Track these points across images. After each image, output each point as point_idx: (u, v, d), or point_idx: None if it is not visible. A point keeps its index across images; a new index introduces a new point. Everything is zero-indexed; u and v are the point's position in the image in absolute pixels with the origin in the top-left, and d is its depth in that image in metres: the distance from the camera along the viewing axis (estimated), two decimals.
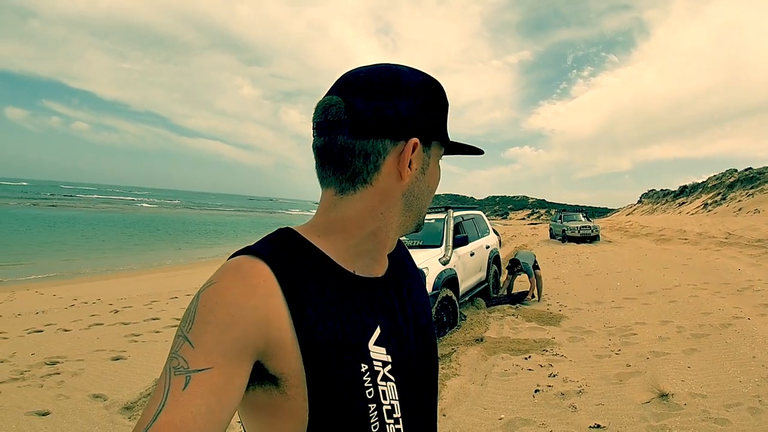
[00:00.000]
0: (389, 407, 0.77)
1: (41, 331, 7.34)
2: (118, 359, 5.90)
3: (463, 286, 7.75)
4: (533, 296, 9.25)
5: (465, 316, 7.73)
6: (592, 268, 14.14)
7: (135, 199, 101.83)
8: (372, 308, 0.79)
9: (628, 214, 66.00)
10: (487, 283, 9.32)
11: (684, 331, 6.48)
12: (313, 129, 0.78)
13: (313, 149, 0.79)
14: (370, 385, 0.74)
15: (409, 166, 0.76)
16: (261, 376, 0.68)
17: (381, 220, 0.78)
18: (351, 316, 0.75)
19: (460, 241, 7.55)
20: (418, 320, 0.90)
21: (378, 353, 0.77)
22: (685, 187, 60.05)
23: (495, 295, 9.61)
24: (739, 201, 40.62)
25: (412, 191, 0.79)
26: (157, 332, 7.25)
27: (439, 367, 4.64)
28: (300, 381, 0.68)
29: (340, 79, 0.78)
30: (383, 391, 0.76)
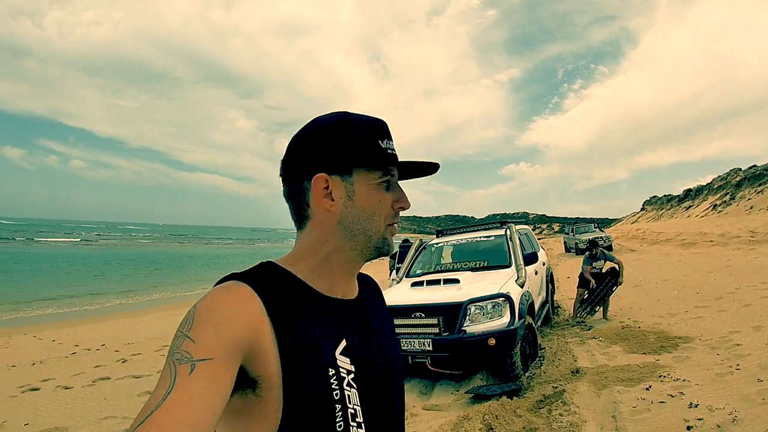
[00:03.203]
0: (353, 411, 0.86)
1: (38, 389, 6.31)
2: None
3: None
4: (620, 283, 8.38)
5: (542, 346, 6.74)
6: (637, 278, 13.24)
7: (135, 234, 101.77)
8: (337, 323, 0.90)
9: (633, 222, 65.35)
10: (548, 305, 8.36)
11: None
12: None
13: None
14: (337, 387, 0.83)
15: (332, 197, 0.89)
16: (240, 380, 0.76)
17: (328, 246, 0.92)
18: (320, 327, 0.85)
19: (529, 258, 6.59)
20: (384, 342, 0.99)
21: (343, 362, 0.86)
22: (689, 190, 59.57)
23: (586, 297, 8.63)
24: (749, 199, 40.13)
25: (346, 218, 0.90)
26: None
27: (555, 412, 4.31)
28: (276, 383, 0.78)
29: None
30: (348, 396, 0.85)
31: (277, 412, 0.77)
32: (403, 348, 5.25)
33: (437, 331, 5.25)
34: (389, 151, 0.92)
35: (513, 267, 6.31)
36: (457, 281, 5.90)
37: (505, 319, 5.18)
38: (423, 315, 5.35)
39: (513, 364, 5.29)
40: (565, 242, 29.05)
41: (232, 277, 0.83)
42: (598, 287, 8.45)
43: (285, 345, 0.78)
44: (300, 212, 0.92)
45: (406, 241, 10.67)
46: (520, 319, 5.25)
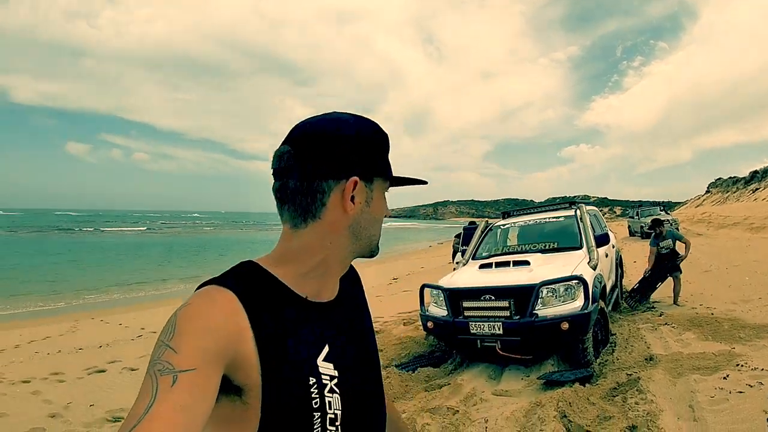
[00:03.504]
0: (332, 416, 0.86)
1: (104, 371, 6.55)
2: None
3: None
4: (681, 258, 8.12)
5: (613, 332, 6.60)
6: (706, 263, 12.75)
7: (198, 222, 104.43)
8: (321, 329, 0.90)
9: (698, 206, 62.59)
10: (617, 289, 8.16)
11: None
12: (272, 175, 0.91)
13: (273, 192, 0.91)
14: (317, 396, 0.84)
15: (352, 201, 0.88)
16: (226, 388, 0.77)
17: (329, 249, 0.90)
18: (302, 335, 0.85)
19: (600, 240, 6.41)
20: (364, 340, 1.02)
21: (326, 368, 0.87)
22: (755, 172, 56.36)
23: (645, 276, 8.39)
24: None
25: (358, 222, 0.91)
26: None
27: (630, 401, 4.23)
28: (259, 392, 0.78)
29: (291, 130, 0.91)
30: (329, 402, 0.86)
31: (256, 418, 0.78)
32: (471, 331, 5.28)
33: (508, 314, 5.22)
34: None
35: (584, 249, 6.17)
36: (527, 263, 5.82)
37: (579, 302, 5.06)
38: (493, 298, 5.32)
39: (585, 350, 5.19)
40: (629, 226, 28.43)
41: (213, 281, 0.82)
42: (652, 274, 8.21)
43: (265, 355, 0.78)
44: (308, 211, 0.88)
45: (471, 222, 10.63)
46: (593, 302, 5.13)
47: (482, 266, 6.18)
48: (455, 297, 5.55)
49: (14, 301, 13.98)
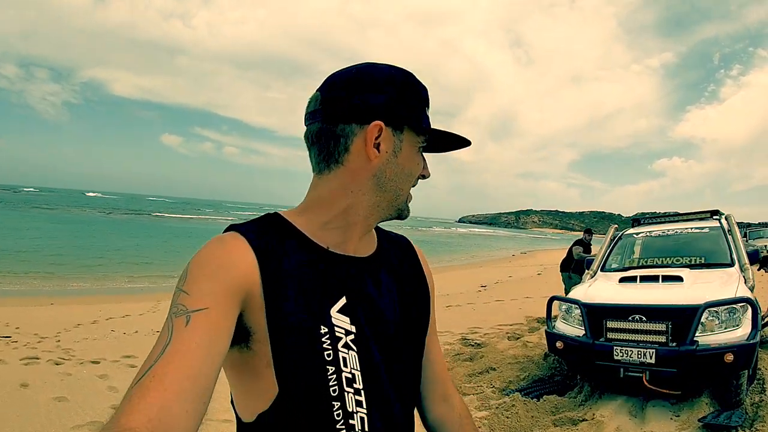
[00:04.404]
0: (349, 375, 0.81)
1: None
2: None
3: None
4: None
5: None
6: None
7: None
8: (339, 280, 0.84)
9: None
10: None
11: None
12: (303, 121, 0.89)
13: (303, 138, 0.89)
14: (330, 348, 0.79)
15: (378, 149, 0.83)
16: (237, 332, 0.74)
17: (352, 198, 0.86)
18: (316, 283, 0.81)
19: (752, 257, 5.41)
20: (403, 306, 0.94)
21: (341, 320, 0.82)
22: None
23: None
24: None
25: (384, 172, 0.85)
26: None
27: None
28: (264, 336, 0.75)
29: (325, 79, 0.88)
30: (344, 358, 0.80)
31: (268, 367, 0.76)
32: (615, 358, 4.42)
33: (663, 339, 4.33)
34: (429, 119, 0.90)
35: (736, 266, 5.20)
36: (679, 278, 4.93)
37: (744, 330, 4.18)
38: (644, 318, 4.45)
39: (739, 387, 4.30)
40: None
41: (231, 228, 0.82)
42: None
43: (271, 297, 0.76)
44: (332, 155, 0.84)
45: (589, 231, 9.68)
46: (758, 330, 4.22)
47: (623, 279, 5.31)
48: (596, 314, 4.71)
49: (102, 279, 14.48)
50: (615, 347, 4.43)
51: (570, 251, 9.37)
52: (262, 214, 0.88)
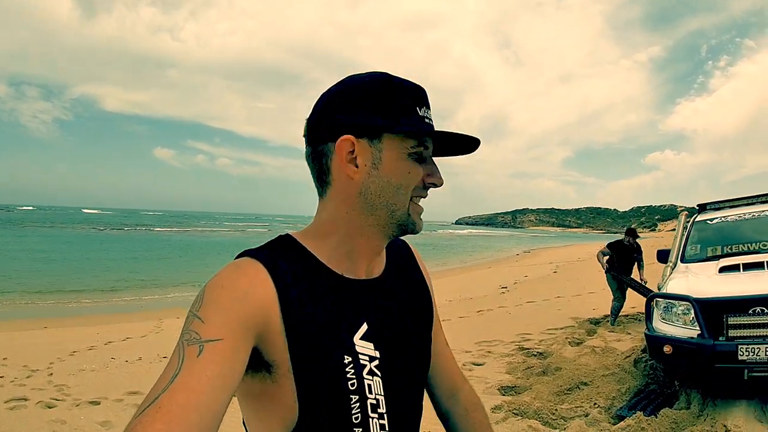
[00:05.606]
0: (374, 401, 0.78)
1: None
2: None
3: None
4: None
5: None
6: None
7: (285, 225, 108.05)
8: (358, 306, 0.81)
9: None
10: None
11: None
12: None
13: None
14: (354, 376, 0.76)
15: (356, 164, 0.77)
16: (257, 363, 0.72)
17: (348, 222, 0.81)
18: (336, 312, 0.77)
19: None
20: (413, 320, 0.91)
21: (364, 348, 0.79)
22: None
23: None
24: None
25: (368, 188, 0.78)
26: None
27: None
28: (288, 370, 0.72)
29: None
30: (369, 385, 0.78)
31: (292, 399, 0.73)
32: (740, 358, 3.69)
33: None
34: (426, 120, 0.81)
35: None
36: None
37: None
38: (765, 311, 3.79)
39: None
40: None
41: (247, 253, 0.78)
42: None
43: (292, 330, 0.72)
44: (321, 177, 0.81)
45: (631, 231, 8.54)
46: None
47: (724, 269, 4.61)
48: (712, 311, 3.96)
49: (99, 298, 13.58)
50: (739, 346, 3.70)
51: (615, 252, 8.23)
52: (274, 237, 0.83)
